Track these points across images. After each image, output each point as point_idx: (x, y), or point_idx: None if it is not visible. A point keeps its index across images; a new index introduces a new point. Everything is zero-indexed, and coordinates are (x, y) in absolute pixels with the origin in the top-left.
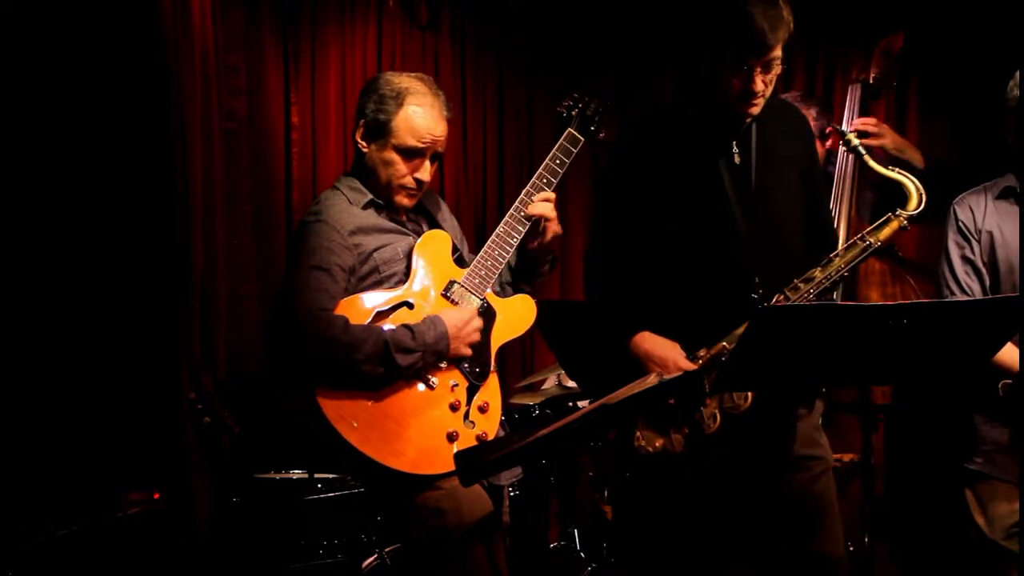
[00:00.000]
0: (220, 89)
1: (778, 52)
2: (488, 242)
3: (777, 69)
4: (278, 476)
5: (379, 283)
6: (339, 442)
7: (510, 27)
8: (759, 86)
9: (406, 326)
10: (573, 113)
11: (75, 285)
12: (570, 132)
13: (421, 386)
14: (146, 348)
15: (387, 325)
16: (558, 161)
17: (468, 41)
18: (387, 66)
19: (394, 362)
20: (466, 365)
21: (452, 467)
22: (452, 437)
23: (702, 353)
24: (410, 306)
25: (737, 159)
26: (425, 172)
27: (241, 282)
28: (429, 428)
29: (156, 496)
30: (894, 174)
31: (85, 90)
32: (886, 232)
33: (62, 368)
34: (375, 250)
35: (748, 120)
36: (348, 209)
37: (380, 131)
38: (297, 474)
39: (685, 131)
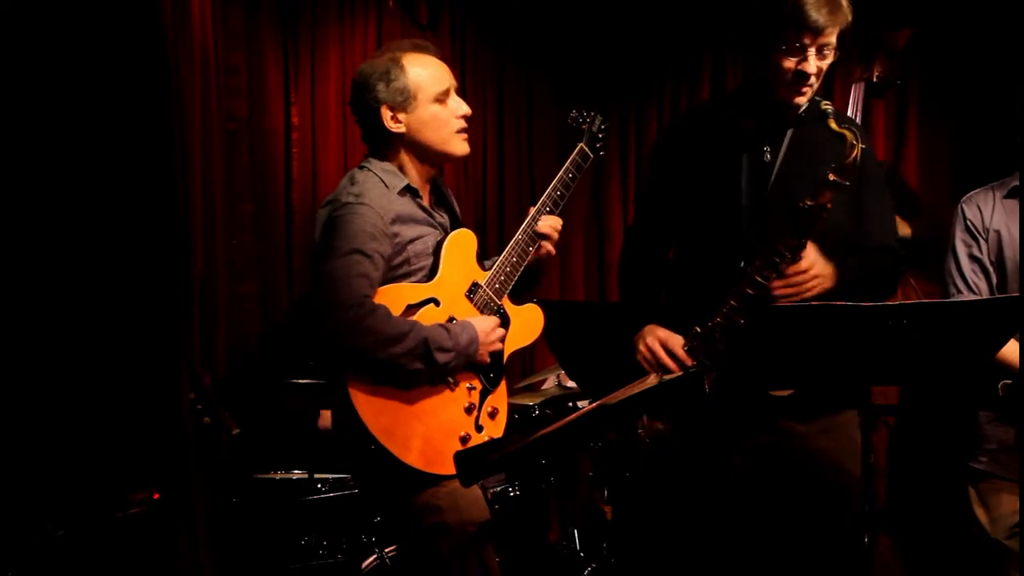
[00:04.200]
0: (220, 89)
1: (832, 39)
2: (507, 248)
3: (830, 58)
4: (278, 476)
5: (407, 275)
6: (360, 433)
7: (510, 27)
8: (812, 67)
9: (442, 326)
10: (583, 127)
11: (75, 285)
12: (581, 148)
13: (443, 385)
14: (146, 348)
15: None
16: (571, 175)
17: (468, 41)
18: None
19: (433, 360)
20: (483, 368)
21: None
22: (464, 440)
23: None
24: (437, 303)
25: (767, 156)
26: (463, 105)
27: (241, 282)
28: (446, 428)
29: (156, 496)
30: (843, 129)
31: (85, 90)
32: (821, 193)
33: (61, 369)
34: (410, 242)
35: (796, 107)
36: (387, 194)
37: (405, 98)
38: (297, 474)
39: (723, 124)
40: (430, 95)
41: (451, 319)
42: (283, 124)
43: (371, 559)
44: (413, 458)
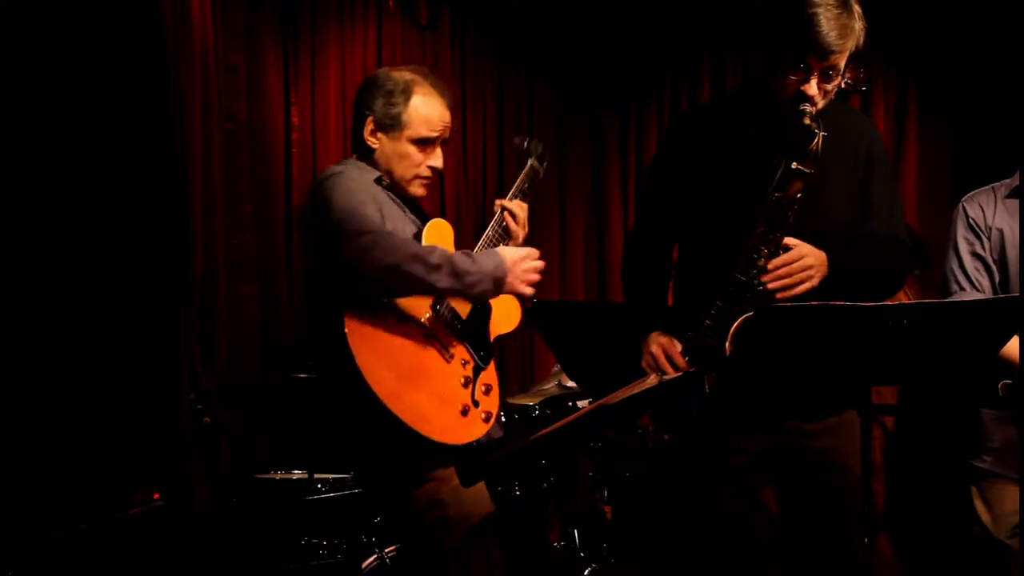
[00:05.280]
0: (220, 89)
1: (841, 61)
2: (480, 243)
3: (837, 81)
4: (278, 476)
5: None
6: (367, 401)
7: (510, 27)
8: (813, 90)
9: (463, 252)
10: (529, 149)
11: (76, 286)
12: (532, 162)
13: (441, 357)
14: (146, 348)
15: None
16: (527, 184)
17: (468, 42)
18: (387, 66)
19: (461, 277)
20: (473, 346)
21: (465, 439)
22: (465, 411)
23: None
24: None
25: (775, 160)
26: (439, 159)
27: (241, 282)
28: (448, 398)
29: (156, 496)
30: (811, 122)
31: (85, 91)
32: (789, 183)
33: (62, 369)
34: (390, 219)
35: (798, 123)
36: (368, 181)
37: (392, 125)
38: (297, 474)
39: (729, 125)
40: (414, 134)
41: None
42: (283, 124)
43: (371, 559)
44: (423, 427)
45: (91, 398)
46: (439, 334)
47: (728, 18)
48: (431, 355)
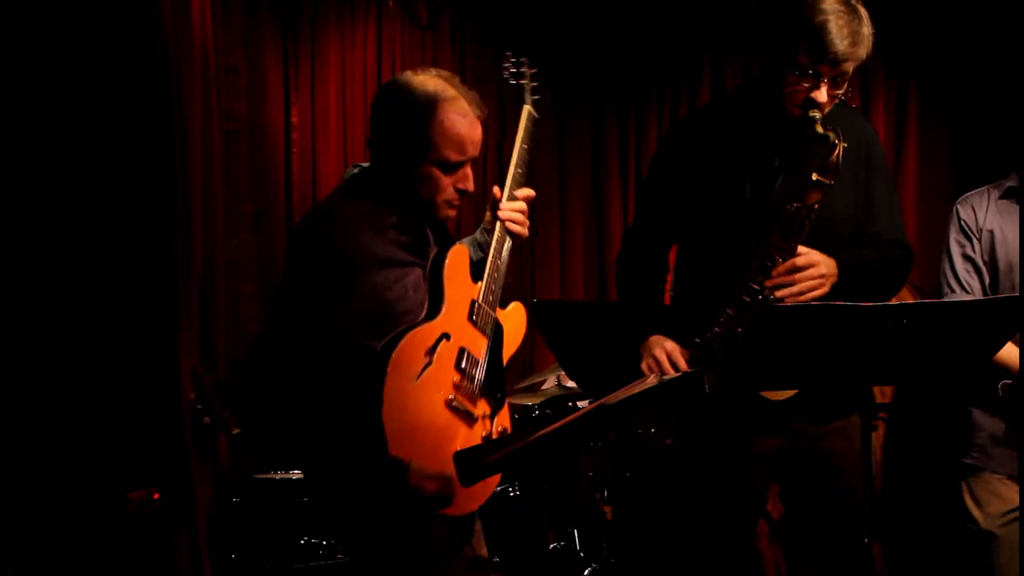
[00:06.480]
0: (220, 89)
1: (851, 68)
2: (490, 254)
3: (844, 87)
4: (278, 476)
5: (403, 314)
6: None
7: (510, 27)
8: (823, 97)
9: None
10: (521, 82)
11: (74, 285)
12: (528, 111)
13: (466, 425)
14: (146, 348)
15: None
16: (527, 146)
17: (468, 41)
18: (387, 66)
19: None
20: (490, 391)
21: (484, 498)
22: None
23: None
24: (448, 337)
25: (776, 163)
26: (469, 181)
27: (241, 282)
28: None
29: (156, 496)
30: (827, 130)
31: (84, 90)
32: (808, 194)
33: (61, 368)
34: (394, 283)
35: (809, 130)
36: (372, 236)
37: (413, 145)
38: (297, 474)
39: (730, 127)
40: (439, 158)
41: (462, 350)
42: (283, 124)
43: None
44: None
45: (90, 398)
46: (464, 402)
47: (728, 18)
48: (456, 432)
